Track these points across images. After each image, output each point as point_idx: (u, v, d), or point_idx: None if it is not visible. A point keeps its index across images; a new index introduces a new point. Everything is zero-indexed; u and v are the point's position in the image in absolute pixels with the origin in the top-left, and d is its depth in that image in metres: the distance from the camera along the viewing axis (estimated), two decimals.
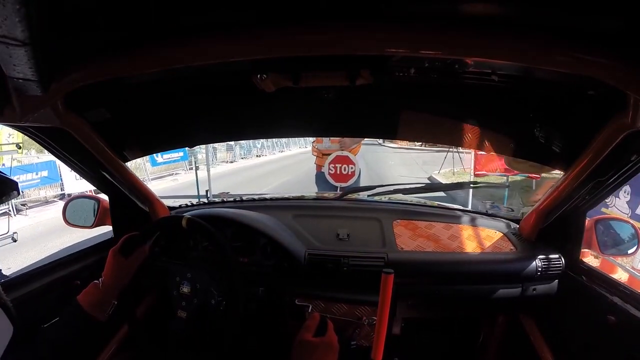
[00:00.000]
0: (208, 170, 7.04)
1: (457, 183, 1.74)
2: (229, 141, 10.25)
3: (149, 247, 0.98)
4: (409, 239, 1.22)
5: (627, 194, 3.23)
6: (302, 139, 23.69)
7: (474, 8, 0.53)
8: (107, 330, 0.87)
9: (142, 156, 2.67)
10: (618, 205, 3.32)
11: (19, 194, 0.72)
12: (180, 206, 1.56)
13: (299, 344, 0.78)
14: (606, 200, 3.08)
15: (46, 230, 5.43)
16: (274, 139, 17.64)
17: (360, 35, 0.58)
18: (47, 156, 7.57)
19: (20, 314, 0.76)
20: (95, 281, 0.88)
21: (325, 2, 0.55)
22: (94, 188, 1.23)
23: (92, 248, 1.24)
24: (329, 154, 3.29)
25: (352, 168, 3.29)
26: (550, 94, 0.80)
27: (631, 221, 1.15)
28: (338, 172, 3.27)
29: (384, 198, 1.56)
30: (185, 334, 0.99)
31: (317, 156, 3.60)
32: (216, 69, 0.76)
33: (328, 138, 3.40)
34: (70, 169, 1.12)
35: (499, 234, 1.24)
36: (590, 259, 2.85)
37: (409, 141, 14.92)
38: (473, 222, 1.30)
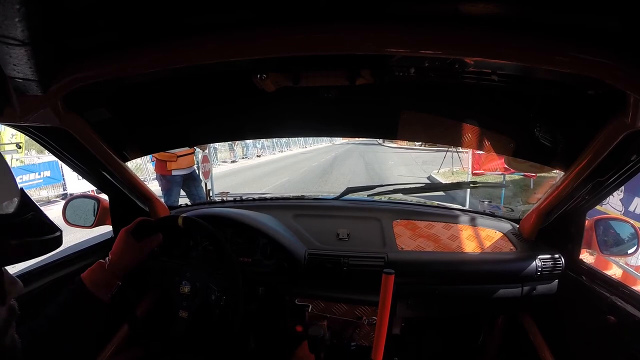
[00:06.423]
0: (210, 170, 7.06)
1: (457, 183, 1.74)
2: (230, 141, 10.25)
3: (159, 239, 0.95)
4: (409, 239, 1.22)
5: (621, 192, 3.27)
6: (302, 139, 23.83)
7: (475, 8, 0.53)
8: (108, 312, 0.83)
9: (142, 156, 2.67)
10: (612, 202, 3.34)
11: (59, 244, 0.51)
12: (180, 206, 1.57)
13: None
14: None
15: None
16: (274, 139, 17.65)
17: (360, 35, 0.58)
18: (48, 156, 7.57)
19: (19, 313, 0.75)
20: (101, 260, 0.85)
21: (326, 2, 0.55)
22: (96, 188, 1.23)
23: (92, 248, 1.24)
24: (185, 155, 3.68)
25: (207, 166, 4.94)
26: (550, 94, 0.80)
27: (631, 221, 1.15)
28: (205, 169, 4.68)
29: (384, 198, 1.56)
30: (188, 334, 0.99)
31: (169, 160, 3.56)
32: (216, 69, 0.76)
33: None
34: (71, 169, 1.12)
35: (499, 234, 1.24)
36: (586, 255, 2.86)
37: (409, 141, 14.93)
38: (473, 222, 1.30)
